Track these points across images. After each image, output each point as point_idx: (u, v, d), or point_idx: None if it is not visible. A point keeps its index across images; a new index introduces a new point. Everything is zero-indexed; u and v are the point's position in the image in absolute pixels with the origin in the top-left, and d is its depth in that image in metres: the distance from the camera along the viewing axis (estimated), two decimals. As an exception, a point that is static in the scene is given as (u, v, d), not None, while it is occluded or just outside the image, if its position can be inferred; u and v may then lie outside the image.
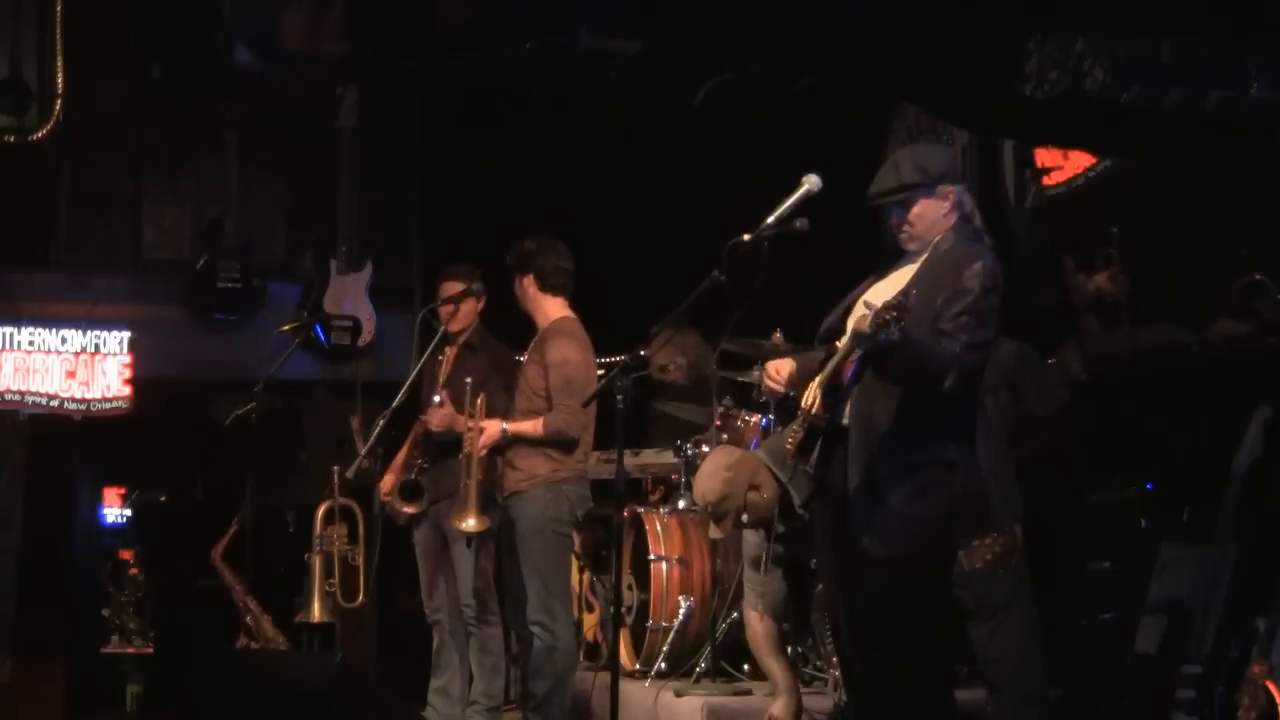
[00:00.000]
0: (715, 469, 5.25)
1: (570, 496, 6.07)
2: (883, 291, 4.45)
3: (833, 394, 4.41)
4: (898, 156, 4.58)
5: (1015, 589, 4.75)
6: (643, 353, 7.24)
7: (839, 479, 4.45)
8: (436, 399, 6.24)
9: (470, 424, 6.12)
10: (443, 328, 6.43)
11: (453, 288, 6.44)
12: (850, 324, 4.34)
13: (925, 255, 4.50)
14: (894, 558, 4.34)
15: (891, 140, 7.37)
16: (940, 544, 4.44)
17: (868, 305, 4.39)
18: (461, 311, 6.45)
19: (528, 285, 6.23)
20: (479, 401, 6.15)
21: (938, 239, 4.49)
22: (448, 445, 6.32)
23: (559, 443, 6.03)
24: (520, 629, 6.30)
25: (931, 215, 4.48)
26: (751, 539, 5.48)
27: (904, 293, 4.21)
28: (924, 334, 4.31)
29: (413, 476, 6.39)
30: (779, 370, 4.55)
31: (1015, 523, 4.91)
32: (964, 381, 4.33)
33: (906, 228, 4.51)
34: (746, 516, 5.22)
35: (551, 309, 6.24)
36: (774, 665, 5.56)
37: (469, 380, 6.19)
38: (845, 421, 4.42)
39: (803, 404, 4.50)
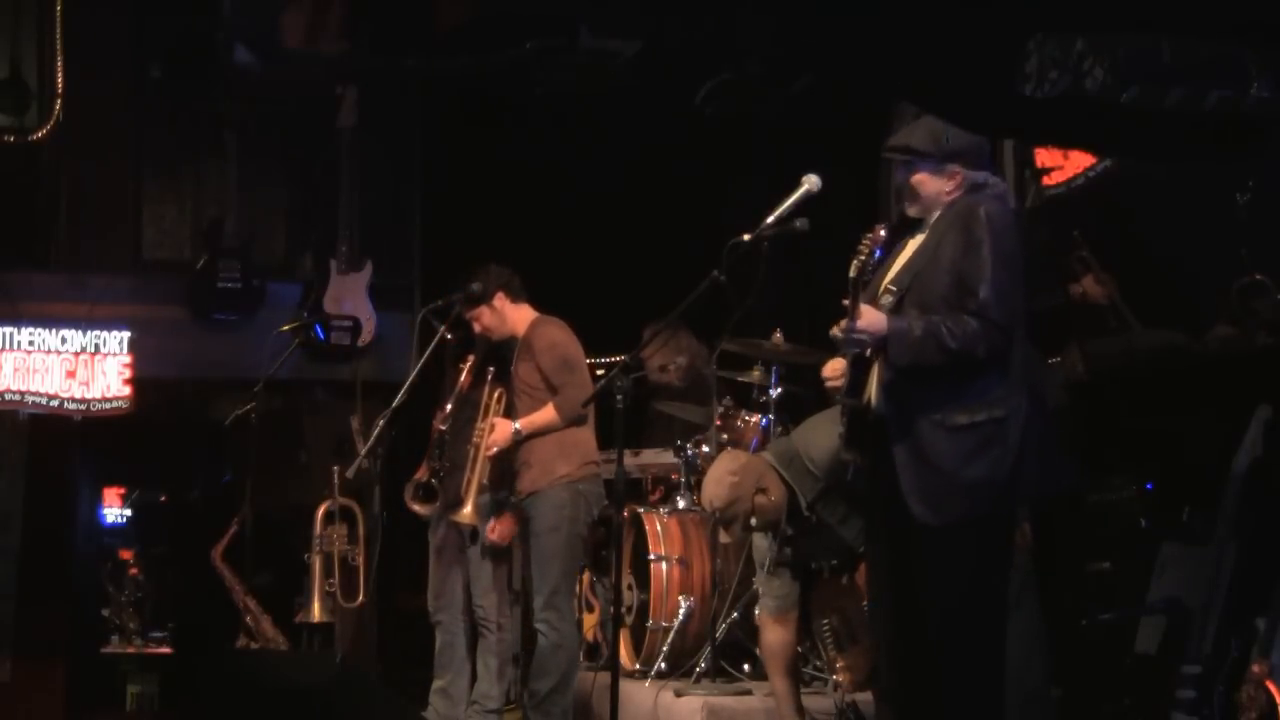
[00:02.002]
0: (721, 475, 5.25)
1: (587, 496, 6.10)
2: (897, 267, 4.47)
3: (859, 373, 4.39)
4: (924, 120, 4.57)
5: (1020, 587, 4.73)
6: (641, 354, 7.31)
7: (881, 459, 4.39)
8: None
9: (481, 424, 6.15)
10: (442, 328, 6.44)
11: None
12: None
13: (929, 226, 4.48)
14: (948, 525, 4.26)
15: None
16: (998, 507, 4.33)
17: (888, 289, 4.40)
18: (478, 315, 6.47)
19: (500, 304, 6.27)
20: (496, 395, 6.18)
21: (939, 212, 4.47)
22: (463, 445, 6.34)
23: (576, 420, 6.04)
24: None
25: (932, 188, 4.48)
26: (761, 543, 5.47)
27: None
28: (947, 292, 4.29)
29: (429, 479, 6.40)
30: (834, 368, 4.50)
31: (1025, 520, 4.90)
32: (1001, 338, 4.27)
33: (908, 190, 4.51)
34: (755, 520, 5.21)
35: (524, 315, 6.31)
36: (780, 684, 5.50)
37: (491, 369, 6.22)
38: (873, 399, 4.38)
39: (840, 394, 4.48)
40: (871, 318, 4.28)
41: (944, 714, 4.36)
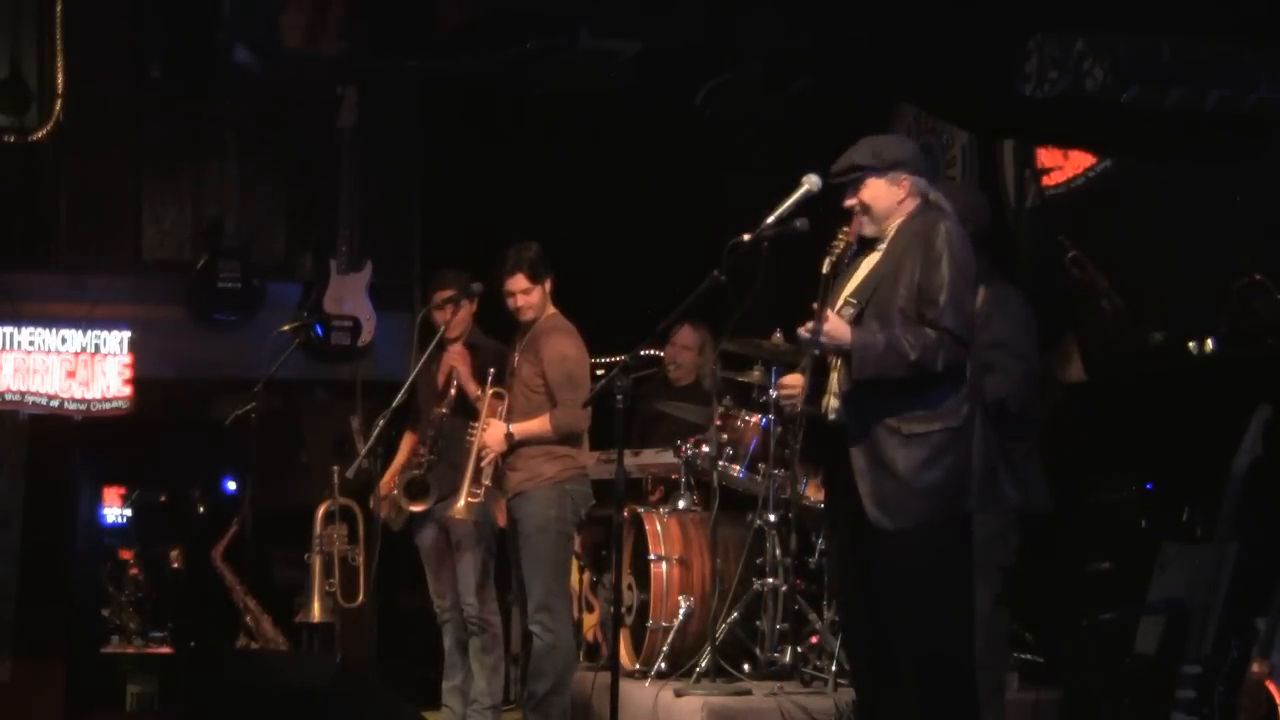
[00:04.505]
0: None
1: (574, 495, 6.07)
2: (855, 281, 4.53)
3: (817, 381, 4.45)
4: (860, 142, 4.64)
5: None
6: (657, 352, 7.32)
7: (839, 466, 4.46)
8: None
9: (475, 422, 6.14)
10: (442, 329, 6.43)
11: (446, 294, 6.45)
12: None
13: (886, 242, 4.54)
14: (906, 530, 4.33)
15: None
16: (952, 513, 4.40)
17: (848, 302, 4.44)
18: (458, 317, 6.45)
19: (549, 290, 6.20)
20: (485, 394, 6.16)
21: (898, 223, 4.53)
22: (454, 443, 6.34)
23: (568, 438, 6.03)
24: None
25: (885, 199, 4.53)
26: None
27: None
28: (905, 304, 4.37)
29: (419, 474, 6.40)
30: (792, 382, 4.58)
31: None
32: (958, 349, 4.35)
33: (860, 209, 4.56)
34: None
35: (548, 309, 6.25)
36: None
37: (492, 371, 6.19)
38: (833, 409, 4.46)
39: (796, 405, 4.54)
40: (837, 326, 4.38)
41: (917, 715, 4.39)
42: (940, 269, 4.38)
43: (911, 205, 4.55)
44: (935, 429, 4.36)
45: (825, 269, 4.45)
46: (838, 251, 4.46)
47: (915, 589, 4.37)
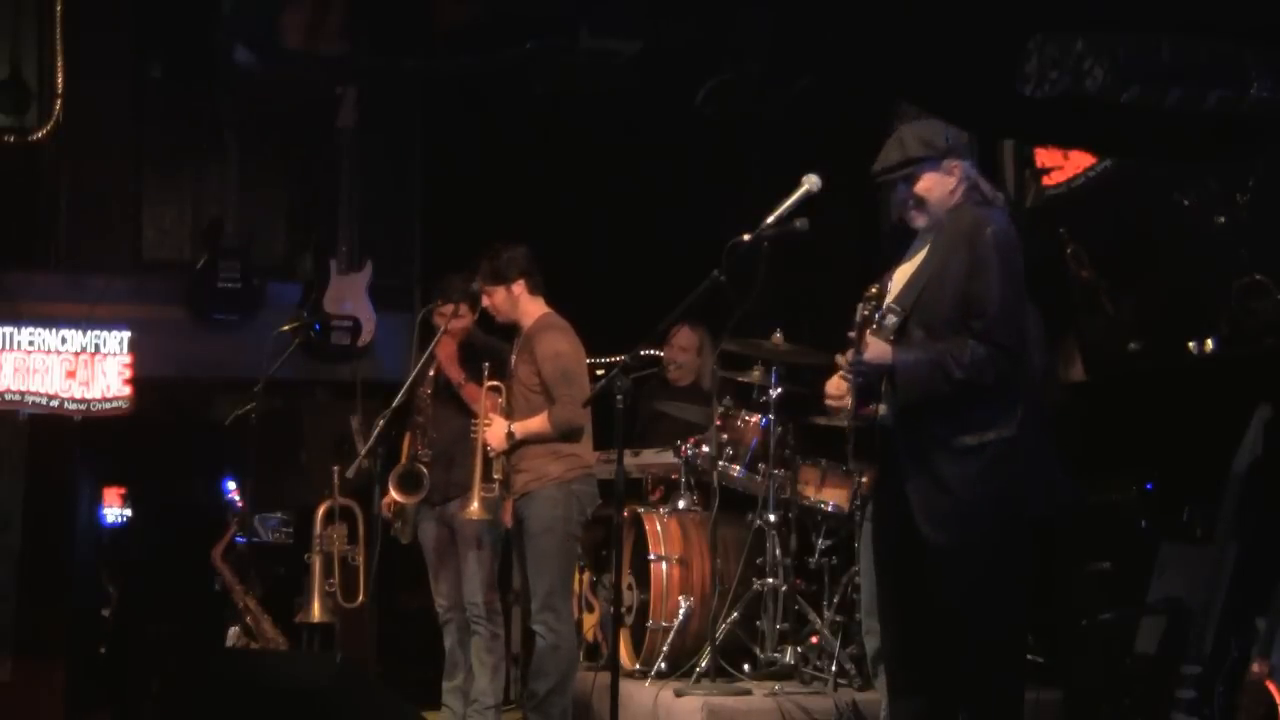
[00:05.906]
0: None
1: (580, 496, 6.07)
2: (899, 284, 4.42)
3: (867, 392, 4.36)
4: (902, 132, 4.51)
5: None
6: (656, 353, 7.32)
7: (888, 475, 4.37)
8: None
9: (478, 421, 6.15)
10: (443, 328, 6.44)
11: (445, 299, 6.46)
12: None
13: (935, 233, 4.43)
14: (958, 545, 4.22)
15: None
16: (1007, 524, 4.27)
17: (890, 309, 4.37)
18: (458, 323, 6.46)
19: (518, 291, 6.21)
20: (490, 389, 6.18)
21: (947, 215, 4.42)
22: (452, 440, 6.34)
23: (568, 434, 6.03)
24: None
25: (939, 190, 4.42)
26: None
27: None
28: (951, 314, 4.26)
29: (408, 465, 6.40)
30: (837, 386, 4.45)
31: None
32: (1008, 362, 4.24)
33: (914, 203, 4.45)
34: None
35: (535, 309, 6.26)
36: None
37: (487, 364, 6.21)
38: (883, 414, 4.35)
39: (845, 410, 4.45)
40: (878, 350, 4.26)
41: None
42: (988, 277, 4.24)
43: (961, 192, 4.43)
44: (989, 439, 4.22)
45: (858, 317, 4.29)
46: (868, 310, 4.32)
47: (969, 600, 4.25)
